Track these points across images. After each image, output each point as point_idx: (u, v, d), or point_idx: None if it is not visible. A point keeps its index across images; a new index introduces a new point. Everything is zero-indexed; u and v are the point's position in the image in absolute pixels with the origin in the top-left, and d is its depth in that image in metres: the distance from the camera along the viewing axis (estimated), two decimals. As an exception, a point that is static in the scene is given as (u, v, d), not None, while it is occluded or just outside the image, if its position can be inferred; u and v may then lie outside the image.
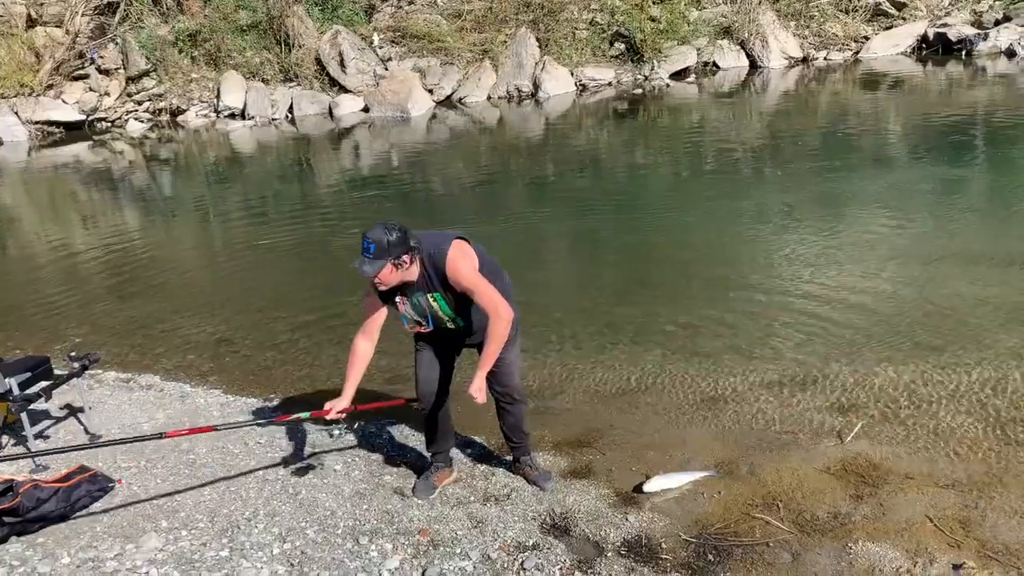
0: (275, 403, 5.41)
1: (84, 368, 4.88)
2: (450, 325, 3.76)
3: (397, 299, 3.71)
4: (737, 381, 5.17)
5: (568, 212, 10.19)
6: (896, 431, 4.37)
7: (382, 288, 3.62)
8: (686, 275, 7.44)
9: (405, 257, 3.48)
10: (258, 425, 4.68)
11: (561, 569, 3.47)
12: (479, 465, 4.34)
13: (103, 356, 5.59)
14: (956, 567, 3.23)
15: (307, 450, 4.62)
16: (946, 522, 3.52)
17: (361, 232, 3.53)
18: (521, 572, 3.45)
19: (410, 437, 4.66)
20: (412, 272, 3.57)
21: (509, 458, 4.29)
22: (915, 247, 7.55)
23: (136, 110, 19.30)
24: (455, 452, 4.33)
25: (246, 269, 9.27)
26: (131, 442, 4.21)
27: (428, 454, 4.24)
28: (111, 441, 4.32)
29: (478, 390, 3.64)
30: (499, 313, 3.52)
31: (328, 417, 4.03)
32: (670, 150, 13.34)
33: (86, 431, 4.99)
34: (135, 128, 18.76)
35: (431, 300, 3.67)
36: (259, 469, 4.43)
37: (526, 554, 3.57)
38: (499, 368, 3.83)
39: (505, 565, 3.50)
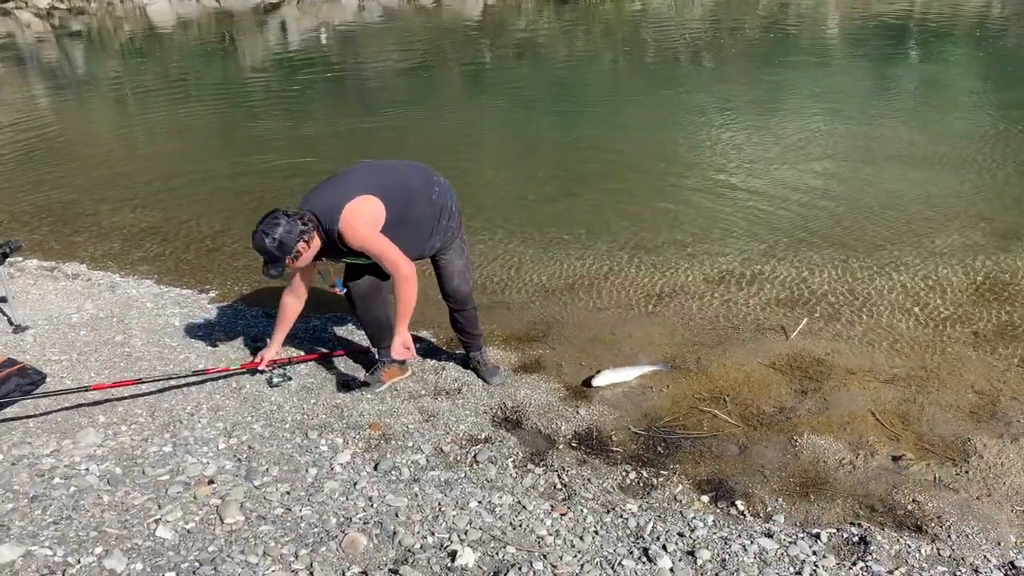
0: (211, 294, 5.23)
1: (4, 256, 4.61)
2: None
3: (322, 260, 3.71)
4: (681, 276, 5.19)
5: (506, 103, 9.95)
6: (838, 328, 4.46)
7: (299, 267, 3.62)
8: (628, 169, 7.39)
9: (300, 246, 3.42)
10: (186, 379, 4.07)
11: (514, 461, 3.48)
12: (429, 360, 4.28)
13: (23, 244, 5.28)
14: (895, 459, 3.34)
15: (249, 345, 4.49)
16: (887, 416, 3.63)
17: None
18: (474, 464, 3.44)
19: (356, 333, 4.56)
20: (316, 246, 3.51)
21: (460, 351, 4.24)
22: (854, 145, 7.63)
23: (41, -24, 17.92)
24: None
25: (168, 153, 8.86)
26: (58, 394, 3.91)
27: (374, 350, 4.16)
28: (45, 393, 3.97)
29: (401, 347, 3.64)
30: (400, 272, 3.49)
31: (260, 368, 4.01)
32: (611, 38, 13.06)
33: (10, 322, 4.74)
34: (40, -3, 17.42)
35: (347, 259, 3.71)
36: (199, 364, 4.28)
37: (479, 447, 3.56)
38: (441, 273, 3.86)
39: (458, 458, 3.49)
